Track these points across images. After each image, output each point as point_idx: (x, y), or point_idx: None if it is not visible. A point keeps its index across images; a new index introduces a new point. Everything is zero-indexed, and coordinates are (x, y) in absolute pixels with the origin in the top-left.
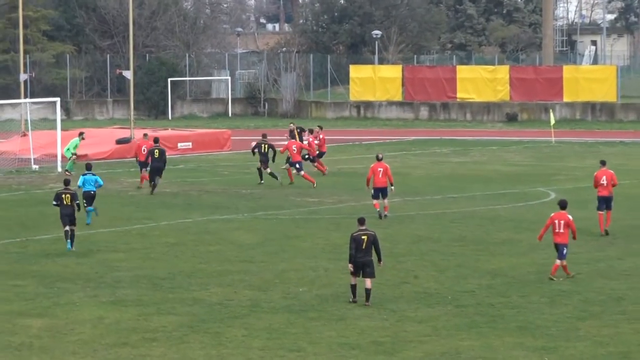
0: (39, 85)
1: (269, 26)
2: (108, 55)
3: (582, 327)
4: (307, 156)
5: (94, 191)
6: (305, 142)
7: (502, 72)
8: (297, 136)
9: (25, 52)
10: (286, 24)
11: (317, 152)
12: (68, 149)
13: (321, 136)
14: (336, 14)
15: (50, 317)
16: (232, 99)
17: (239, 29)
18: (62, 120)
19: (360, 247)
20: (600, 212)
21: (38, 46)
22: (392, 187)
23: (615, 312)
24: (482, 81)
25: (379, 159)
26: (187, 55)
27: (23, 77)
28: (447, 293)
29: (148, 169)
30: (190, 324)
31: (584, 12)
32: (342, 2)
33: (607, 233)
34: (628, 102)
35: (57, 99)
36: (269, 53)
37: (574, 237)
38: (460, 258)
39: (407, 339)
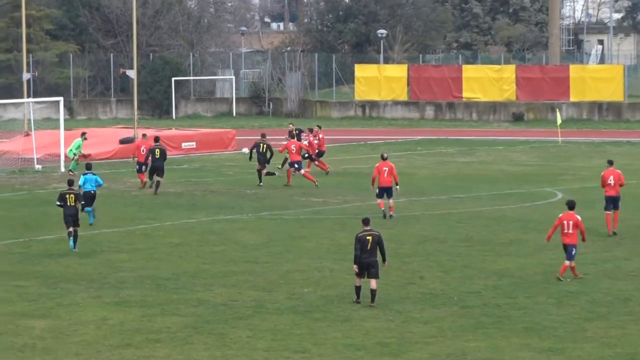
0: (42, 84)
1: (274, 25)
2: (111, 55)
3: (589, 328)
4: (306, 155)
5: (94, 191)
6: (305, 142)
7: (508, 71)
8: (295, 137)
9: (28, 51)
10: (291, 23)
11: (317, 151)
12: (71, 150)
13: (320, 136)
14: (341, 13)
15: (53, 318)
16: (236, 99)
17: (244, 28)
18: (65, 120)
19: (365, 248)
20: (608, 212)
21: (41, 45)
22: (398, 187)
23: (623, 313)
24: (488, 80)
25: (383, 158)
26: (191, 54)
27: (26, 76)
28: (453, 294)
29: (148, 168)
30: (194, 325)
31: (590, 11)
32: (347, 1)
33: (614, 234)
34: (635, 101)
35: (60, 99)
36: (274, 52)
37: (583, 239)
38: (467, 259)
39: (413, 340)
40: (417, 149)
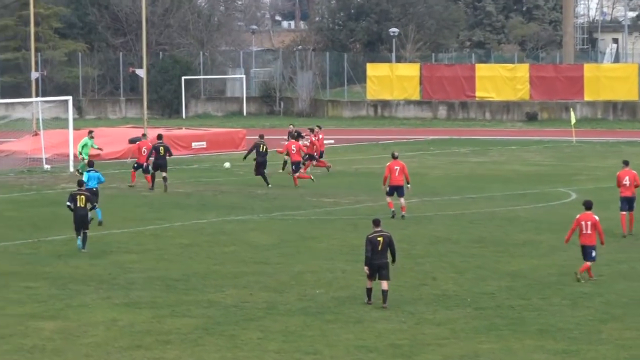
0: (51, 83)
1: (285, 24)
2: (121, 54)
3: (604, 330)
4: (307, 155)
5: (96, 187)
6: (307, 142)
7: (522, 70)
8: (295, 138)
9: (36, 50)
10: (302, 22)
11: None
12: (81, 151)
13: (320, 136)
14: (353, 11)
15: (62, 319)
16: (247, 98)
17: (254, 27)
18: (74, 120)
19: (376, 249)
20: (623, 213)
21: (50, 44)
22: (409, 185)
23: (638, 314)
24: (501, 80)
25: (395, 157)
26: (201, 53)
27: (34, 75)
28: (466, 295)
29: (150, 168)
30: (205, 327)
31: (605, 9)
32: None
33: (630, 234)
34: None
35: (69, 98)
36: (285, 51)
37: (601, 242)
38: (480, 259)
39: (426, 341)
40: (429, 149)
